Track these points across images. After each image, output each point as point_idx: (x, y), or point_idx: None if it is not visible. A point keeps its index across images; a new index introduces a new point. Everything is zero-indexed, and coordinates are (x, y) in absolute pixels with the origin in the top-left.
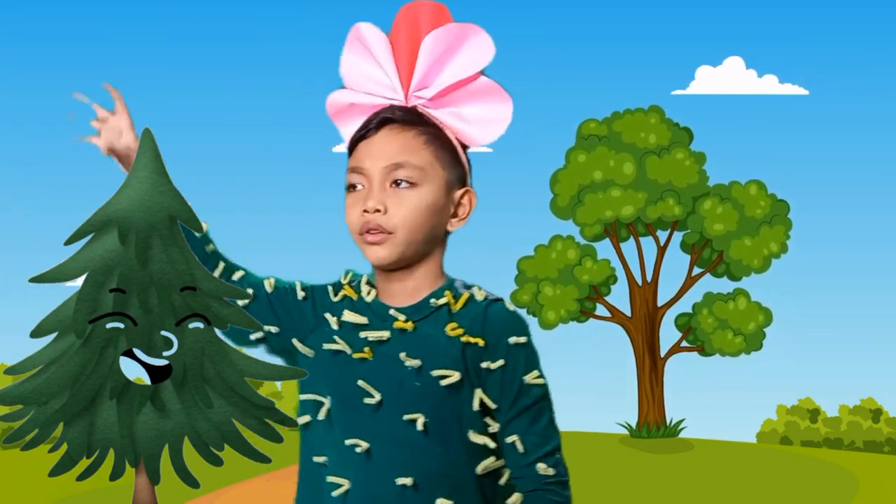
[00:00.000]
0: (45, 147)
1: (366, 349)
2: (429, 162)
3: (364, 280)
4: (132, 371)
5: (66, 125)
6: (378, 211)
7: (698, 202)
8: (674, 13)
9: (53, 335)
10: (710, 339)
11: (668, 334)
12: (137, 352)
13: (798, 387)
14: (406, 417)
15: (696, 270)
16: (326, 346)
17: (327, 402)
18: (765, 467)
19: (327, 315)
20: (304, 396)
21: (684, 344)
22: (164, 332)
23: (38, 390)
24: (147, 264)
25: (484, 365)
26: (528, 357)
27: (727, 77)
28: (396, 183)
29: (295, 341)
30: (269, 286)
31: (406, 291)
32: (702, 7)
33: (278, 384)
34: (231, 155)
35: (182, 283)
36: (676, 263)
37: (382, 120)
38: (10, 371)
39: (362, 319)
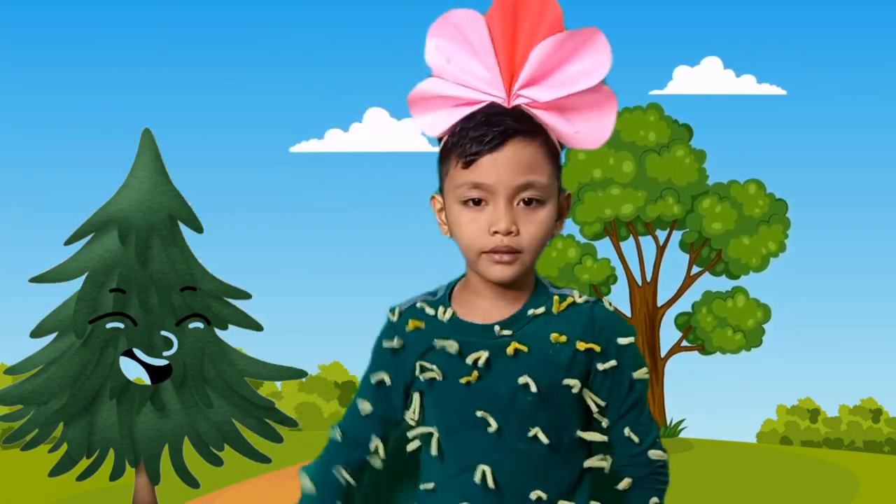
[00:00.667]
0: (45, 147)
1: (473, 373)
2: (551, 176)
3: (424, 306)
4: (132, 371)
5: (65, 125)
6: (510, 233)
7: (697, 201)
8: (652, 13)
9: (53, 335)
10: (709, 337)
11: (668, 334)
12: (137, 352)
13: (798, 387)
14: (529, 434)
15: (695, 269)
16: (425, 377)
17: (435, 431)
18: (765, 467)
19: (419, 363)
20: (418, 431)
21: (684, 343)
22: (164, 332)
23: (38, 390)
24: (147, 264)
25: (597, 367)
26: (634, 355)
27: (705, 77)
28: (526, 202)
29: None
30: (364, 409)
31: (504, 304)
32: (680, 7)
33: (278, 384)
34: (231, 154)
35: (182, 283)
36: (675, 263)
37: (511, 131)
38: (10, 371)
39: (454, 345)
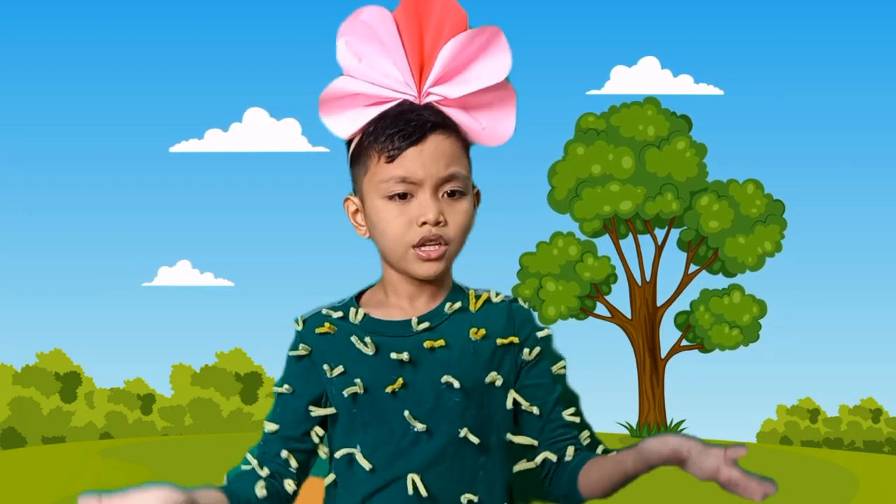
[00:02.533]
0: (46, 147)
1: (398, 380)
2: (468, 170)
3: (330, 312)
4: None
5: (65, 125)
6: (439, 223)
7: (696, 198)
8: (588, 13)
9: None
10: (708, 334)
11: (668, 333)
12: None
13: (798, 387)
14: (459, 434)
15: (693, 268)
16: (347, 392)
17: (357, 449)
18: (765, 467)
19: (325, 366)
20: (338, 454)
21: (684, 343)
22: None
23: None
24: None
25: (522, 358)
26: (552, 346)
27: (642, 77)
28: (450, 194)
29: (314, 409)
30: (270, 429)
31: (423, 302)
32: (617, 7)
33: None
34: (110, 154)
35: None
36: (672, 261)
37: (430, 125)
38: None
39: (371, 345)
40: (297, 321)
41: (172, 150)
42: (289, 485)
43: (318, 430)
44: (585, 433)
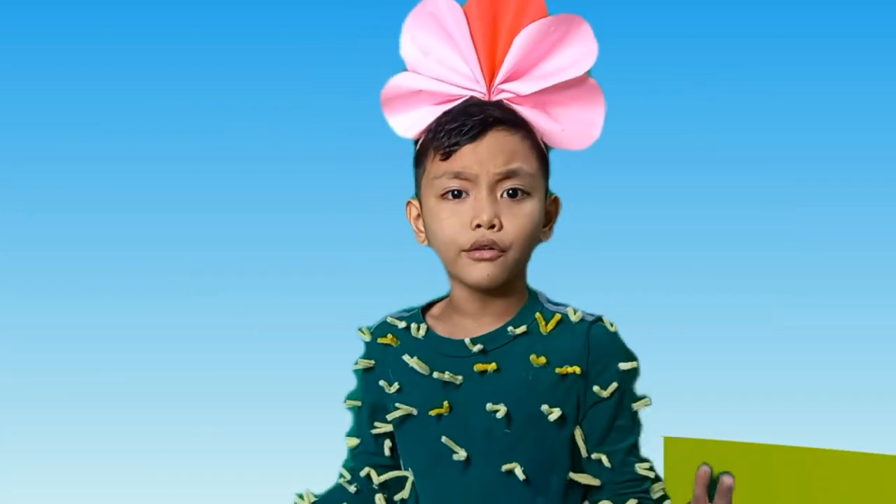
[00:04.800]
0: (46, 147)
1: (444, 403)
2: (538, 170)
3: (396, 323)
4: None
5: (66, 125)
6: (493, 226)
7: None
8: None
9: None
10: None
11: None
12: None
13: None
14: (502, 469)
15: None
16: (391, 416)
17: (410, 475)
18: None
19: (383, 382)
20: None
21: None
22: None
23: None
24: None
25: (592, 393)
26: (634, 384)
27: None
28: (511, 194)
29: (377, 424)
30: (352, 444)
31: (489, 320)
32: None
33: None
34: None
35: None
36: None
37: (492, 120)
38: None
39: (424, 366)
40: (362, 331)
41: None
42: (380, 500)
43: (389, 443)
44: (658, 486)
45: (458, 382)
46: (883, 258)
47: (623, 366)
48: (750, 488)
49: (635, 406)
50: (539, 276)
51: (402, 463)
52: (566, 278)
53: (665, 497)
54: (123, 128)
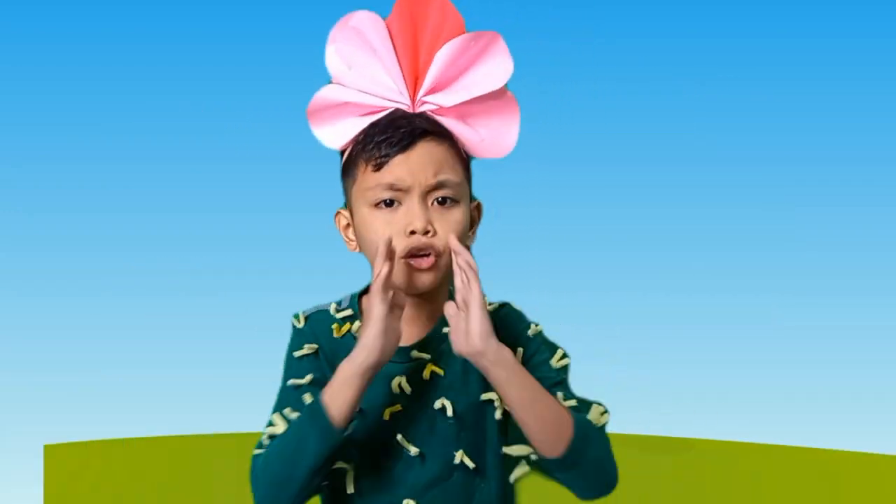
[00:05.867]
0: (46, 147)
1: (397, 405)
2: (463, 178)
3: (335, 313)
4: None
5: (66, 125)
6: (427, 232)
7: None
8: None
9: None
10: None
11: None
12: None
13: None
14: (454, 460)
15: None
16: None
17: (350, 468)
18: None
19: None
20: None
21: None
22: None
23: None
24: None
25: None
26: (546, 342)
27: None
28: (441, 202)
29: None
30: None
31: (422, 322)
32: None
33: None
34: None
35: None
36: None
37: (420, 131)
38: None
39: (407, 387)
40: (296, 318)
41: None
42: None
43: None
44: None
45: (408, 392)
46: (883, 258)
47: (529, 332)
48: (750, 488)
49: (552, 362)
50: (544, 278)
51: (338, 454)
52: (566, 278)
53: (592, 406)
54: (123, 128)
